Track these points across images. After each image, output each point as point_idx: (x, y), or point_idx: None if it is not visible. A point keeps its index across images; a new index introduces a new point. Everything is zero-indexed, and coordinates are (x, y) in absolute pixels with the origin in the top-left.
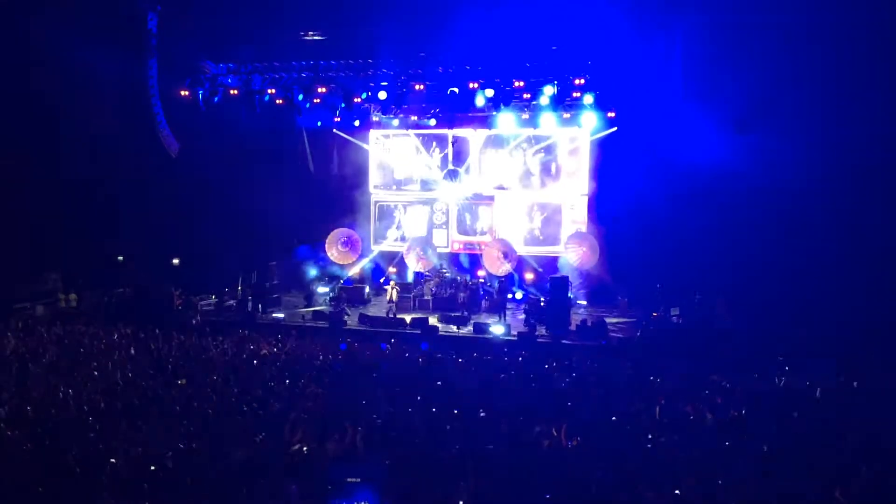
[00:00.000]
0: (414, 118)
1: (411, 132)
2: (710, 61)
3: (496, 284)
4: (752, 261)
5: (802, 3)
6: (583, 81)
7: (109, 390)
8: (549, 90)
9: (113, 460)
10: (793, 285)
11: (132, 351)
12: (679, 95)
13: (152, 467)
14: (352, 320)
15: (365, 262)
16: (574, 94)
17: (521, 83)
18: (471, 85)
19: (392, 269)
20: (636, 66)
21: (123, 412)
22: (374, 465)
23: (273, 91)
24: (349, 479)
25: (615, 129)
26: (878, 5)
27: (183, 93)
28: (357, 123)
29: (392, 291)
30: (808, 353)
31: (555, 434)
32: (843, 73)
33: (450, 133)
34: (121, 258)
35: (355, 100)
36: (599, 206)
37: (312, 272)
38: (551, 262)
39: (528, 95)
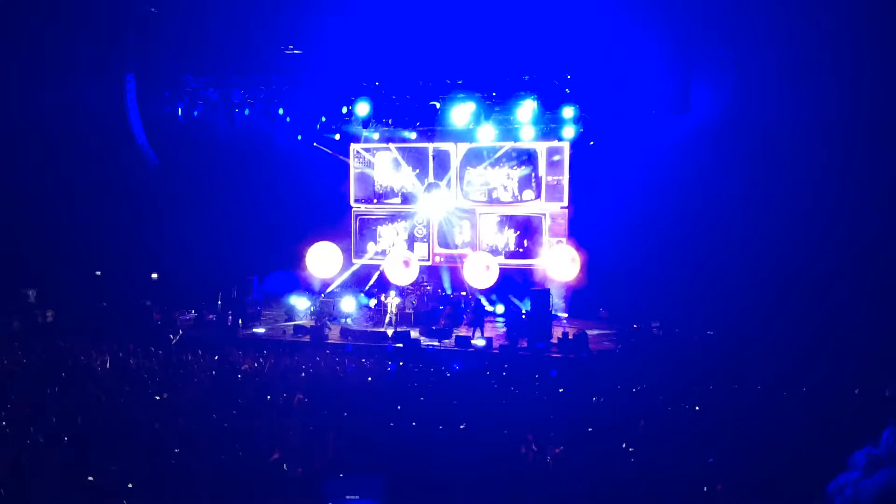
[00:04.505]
0: (395, 131)
1: (392, 145)
2: (687, 75)
3: (473, 298)
4: (733, 272)
5: (781, 19)
6: (563, 94)
7: (87, 406)
8: (529, 103)
9: (90, 478)
10: (774, 295)
11: (110, 366)
12: (658, 109)
13: (130, 485)
14: (333, 334)
15: (346, 276)
16: (554, 107)
17: (502, 97)
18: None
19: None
20: (616, 80)
21: (101, 428)
22: (357, 481)
23: (253, 104)
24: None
25: (592, 142)
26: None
27: (162, 106)
28: (337, 137)
29: (392, 303)
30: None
31: (535, 448)
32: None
33: (430, 146)
34: (98, 273)
35: (335, 114)
36: (580, 219)
37: (293, 286)
38: (531, 275)
39: (509, 109)
